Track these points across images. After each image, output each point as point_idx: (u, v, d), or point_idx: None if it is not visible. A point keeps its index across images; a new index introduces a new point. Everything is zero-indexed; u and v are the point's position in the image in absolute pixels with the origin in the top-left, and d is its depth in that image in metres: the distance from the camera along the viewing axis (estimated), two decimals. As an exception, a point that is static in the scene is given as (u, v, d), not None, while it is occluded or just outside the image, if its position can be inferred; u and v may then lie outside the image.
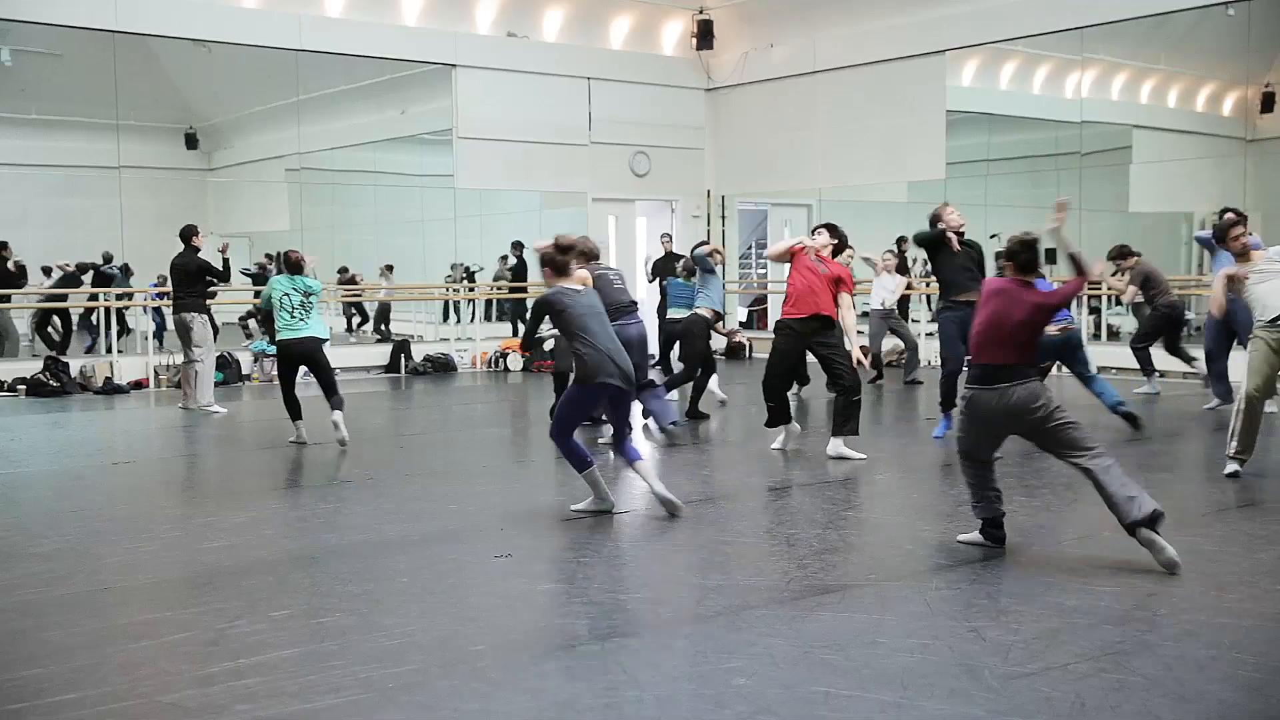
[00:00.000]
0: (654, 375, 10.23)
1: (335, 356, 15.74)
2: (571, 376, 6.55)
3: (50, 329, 15.62)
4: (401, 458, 8.90)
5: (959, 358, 8.75)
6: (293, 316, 9.23)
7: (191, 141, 19.89)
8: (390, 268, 18.56)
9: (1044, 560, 5.28)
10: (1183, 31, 15.84)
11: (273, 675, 3.87)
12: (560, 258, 6.41)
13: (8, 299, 15.21)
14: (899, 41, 16.98)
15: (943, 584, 4.92)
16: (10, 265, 15.21)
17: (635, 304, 9.46)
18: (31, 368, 13.69)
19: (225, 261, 12.09)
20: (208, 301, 12.17)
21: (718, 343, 13.99)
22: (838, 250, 8.61)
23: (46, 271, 16.24)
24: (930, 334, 14.97)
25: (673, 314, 11.12)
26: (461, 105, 17.30)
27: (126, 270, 15.91)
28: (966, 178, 17.29)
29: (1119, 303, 14.10)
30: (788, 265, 8.47)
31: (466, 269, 17.99)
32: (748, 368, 16.05)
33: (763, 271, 21.54)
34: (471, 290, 17.72)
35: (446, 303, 18.38)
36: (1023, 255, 5.41)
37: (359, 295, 18.47)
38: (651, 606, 4.73)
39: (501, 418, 10.76)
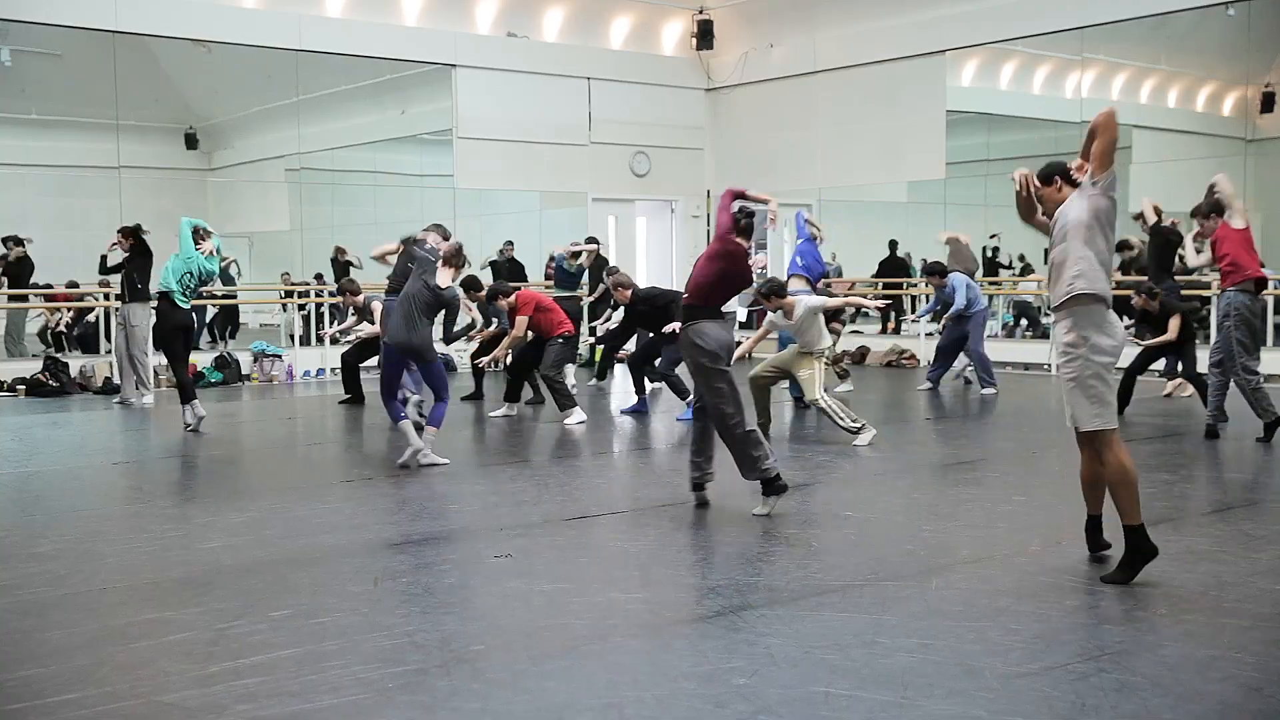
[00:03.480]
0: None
1: (334, 356, 15.87)
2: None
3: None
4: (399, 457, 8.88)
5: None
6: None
7: (191, 141, 19.87)
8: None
9: (1044, 560, 5.28)
10: (1183, 31, 15.85)
11: (273, 675, 3.87)
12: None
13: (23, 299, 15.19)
14: (899, 41, 16.98)
15: (943, 584, 4.91)
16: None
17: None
18: (31, 368, 13.69)
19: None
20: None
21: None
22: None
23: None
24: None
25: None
26: (461, 105, 17.31)
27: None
28: (966, 178, 17.30)
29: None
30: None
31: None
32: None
33: (762, 270, 21.53)
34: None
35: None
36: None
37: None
38: (651, 606, 4.73)
39: (500, 417, 10.75)
